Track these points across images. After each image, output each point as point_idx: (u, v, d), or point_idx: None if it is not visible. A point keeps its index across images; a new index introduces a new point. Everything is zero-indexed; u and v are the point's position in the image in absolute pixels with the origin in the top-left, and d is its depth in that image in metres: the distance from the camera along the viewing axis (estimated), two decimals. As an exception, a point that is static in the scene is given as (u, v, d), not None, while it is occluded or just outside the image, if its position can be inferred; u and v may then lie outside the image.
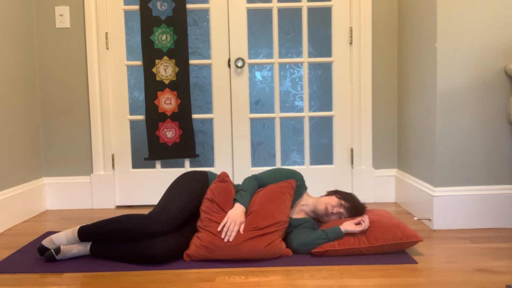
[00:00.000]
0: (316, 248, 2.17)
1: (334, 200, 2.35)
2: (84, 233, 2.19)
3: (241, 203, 2.23)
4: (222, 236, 2.12)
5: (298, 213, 2.38)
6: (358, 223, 2.21)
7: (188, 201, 2.26)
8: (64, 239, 2.20)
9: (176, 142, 3.27)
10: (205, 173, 2.42)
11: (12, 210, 2.86)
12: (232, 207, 2.24)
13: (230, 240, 2.11)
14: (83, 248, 2.20)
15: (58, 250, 2.16)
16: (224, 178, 2.33)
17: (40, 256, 2.22)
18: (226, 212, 2.22)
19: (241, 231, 2.15)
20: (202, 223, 2.20)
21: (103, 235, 2.17)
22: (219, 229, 2.14)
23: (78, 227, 2.21)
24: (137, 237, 2.12)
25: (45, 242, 2.20)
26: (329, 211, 2.32)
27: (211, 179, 2.39)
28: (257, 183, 2.37)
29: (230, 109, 3.28)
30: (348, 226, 2.20)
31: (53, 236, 2.21)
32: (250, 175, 2.54)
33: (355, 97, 3.26)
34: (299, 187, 2.40)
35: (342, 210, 2.33)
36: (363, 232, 2.19)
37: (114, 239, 2.16)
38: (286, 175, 2.40)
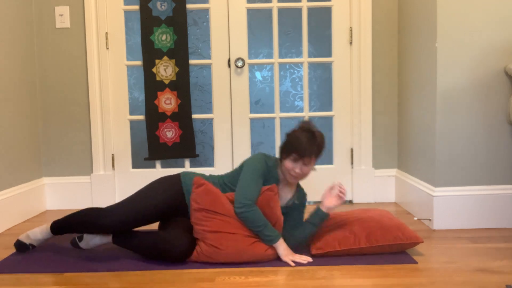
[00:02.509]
0: (315, 250, 2.17)
1: (288, 165, 2.18)
2: (56, 227, 2.29)
3: (275, 241, 2.13)
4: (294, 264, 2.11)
5: (289, 195, 2.32)
6: (338, 197, 2.17)
7: (149, 205, 2.20)
8: (39, 233, 2.32)
9: (176, 142, 3.27)
10: (177, 175, 2.31)
11: (12, 210, 2.86)
12: (222, 205, 2.17)
13: (309, 260, 2.11)
14: (106, 237, 2.24)
15: (81, 237, 2.23)
16: (199, 182, 2.21)
17: (17, 251, 2.33)
18: (219, 213, 2.15)
19: (305, 260, 2.12)
20: (198, 235, 2.17)
21: (70, 228, 2.25)
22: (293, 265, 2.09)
23: (51, 222, 2.32)
24: (93, 229, 2.17)
25: (22, 237, 2.32)
26: (294, 174, 2.19)
27: (185, 180, 2.26)
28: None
29: (230, 109, 3.28)
30: (329, 203, 2.17)
31: (29, 232, 2.33)
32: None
33: (355, 97, 3.25)
34: (271, 180, 2.25)
35: (300, 163, 2.15)
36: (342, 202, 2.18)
37: (79, 231, 2.23)
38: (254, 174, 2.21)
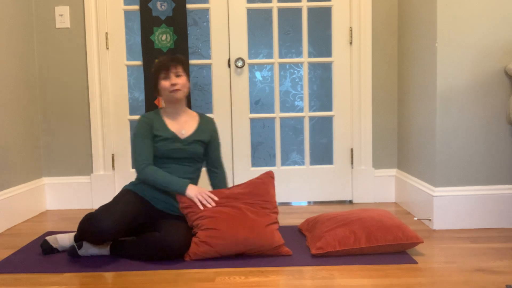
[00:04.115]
0: (315, 250, 2.17)
1: (164, 84, 2.32)
2: (76, 236, 2.27)
3: (184, 188, 2.24)
4: (203, 207, 2.20)
5: (187, 127, 2.40)
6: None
7: (128, 208, 2.20)
8: (67, 240, 2.30)
9: (176, 142, 3.26)
10: (125, 190, 2.35)
11: (12, 210, 2.86)
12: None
13: (213, 205, 2.21)
14: (105, 248, 2.24)
15: (80, 245, 2.21)
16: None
17: (43, 252, 2.28)
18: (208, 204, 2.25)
19: (213, 197, 2.25)
20: (194, 223, 2.21)
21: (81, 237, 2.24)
22: (202, 207, 2.21)
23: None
24: (92, 236, 2.10)
25: (50, 239, 2.29)
26: (173, 88, 2.31)
27: (138, 189, 2.33)
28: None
29: (230, 109, 3.28)
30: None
31: (57, 236, 2.31)
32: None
33: (355, 97, 3.26)
34: (159, 127, 2.35)
35: (171, 75, 2.31)
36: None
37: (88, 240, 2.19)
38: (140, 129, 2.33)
